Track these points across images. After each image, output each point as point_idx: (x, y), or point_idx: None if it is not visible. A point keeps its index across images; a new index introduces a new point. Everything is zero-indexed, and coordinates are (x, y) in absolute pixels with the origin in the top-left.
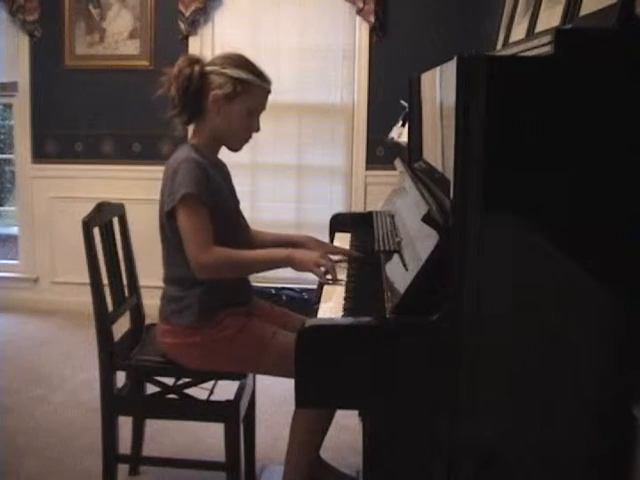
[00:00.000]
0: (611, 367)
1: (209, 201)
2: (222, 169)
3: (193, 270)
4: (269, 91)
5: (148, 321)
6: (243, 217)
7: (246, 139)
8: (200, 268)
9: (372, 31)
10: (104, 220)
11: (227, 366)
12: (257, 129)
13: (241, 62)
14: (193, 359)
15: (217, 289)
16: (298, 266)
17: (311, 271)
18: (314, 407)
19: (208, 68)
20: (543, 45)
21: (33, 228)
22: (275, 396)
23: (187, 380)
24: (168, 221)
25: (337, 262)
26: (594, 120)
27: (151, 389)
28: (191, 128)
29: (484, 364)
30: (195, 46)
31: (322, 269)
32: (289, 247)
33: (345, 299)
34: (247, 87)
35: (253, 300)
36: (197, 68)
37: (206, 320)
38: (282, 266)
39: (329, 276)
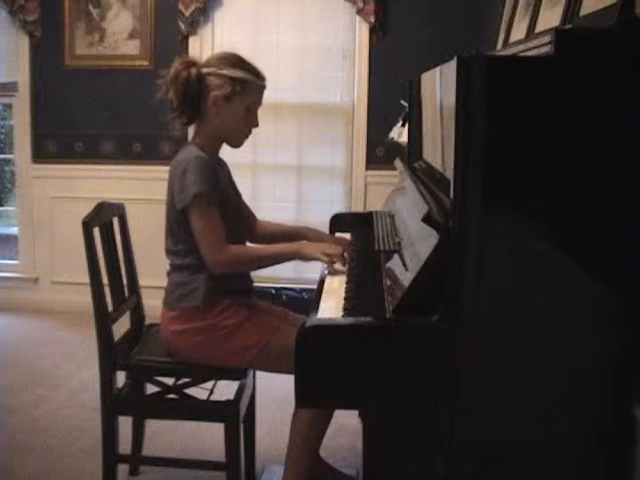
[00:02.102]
0: (611, 367)
1: (217, 197)
2: (223, 167)
3: (208, 267)
4: (264, 87)
5: (148, 321)
6: (248, 208)
7: (246, 135)
8: (215, 266)
9: (372, 31)
10: (104, 220)
11: (229, 357)
12: (256, 124)
13: (237, 61)
14: (196, 348)
15: (222, 274)
16: (307, 257)
17: (318, 259)
18: (314, 407)
19: (205, 70)
20: (543, 45)
21: (33, 228)
22: (275, 396)
23: (187, 380)
24: (179, 217)
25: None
26: (594, 120)
27: (151, 389)
28: (191, 128)
29: (484, 364)
30: (195, 46)
31: (331, 254)
32: (290, 240)
33: (345, 299)
34: (245, 86)
35: (253, 299)
36: (194, 71)
37: (212, 304)
38: (291, 259)
39: (337, 266)
